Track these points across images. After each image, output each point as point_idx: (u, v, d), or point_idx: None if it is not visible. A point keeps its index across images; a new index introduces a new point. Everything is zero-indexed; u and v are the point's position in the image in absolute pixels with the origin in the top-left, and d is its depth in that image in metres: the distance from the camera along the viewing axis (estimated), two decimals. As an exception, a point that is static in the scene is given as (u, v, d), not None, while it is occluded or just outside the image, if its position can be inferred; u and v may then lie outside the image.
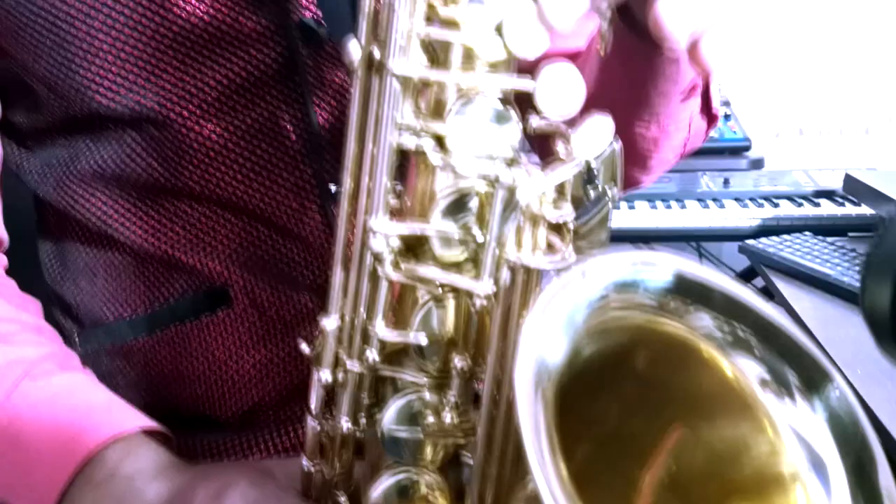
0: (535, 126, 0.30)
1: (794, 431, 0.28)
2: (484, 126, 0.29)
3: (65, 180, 0.50)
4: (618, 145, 0.32)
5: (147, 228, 0.49)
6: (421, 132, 0.29)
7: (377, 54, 0.29)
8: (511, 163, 0.30)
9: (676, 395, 0.30)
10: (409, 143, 0.29)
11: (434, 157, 0.29)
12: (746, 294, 0.29)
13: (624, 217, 1.51)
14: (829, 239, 1.20)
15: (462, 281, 0.30)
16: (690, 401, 0.30)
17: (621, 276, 0.29)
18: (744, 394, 0.28)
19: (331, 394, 0.34)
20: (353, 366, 0.32)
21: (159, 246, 0.49)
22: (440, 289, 0.31)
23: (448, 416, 0.32)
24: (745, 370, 0.28)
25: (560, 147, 0.30)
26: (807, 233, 1.22)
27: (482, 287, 0.29)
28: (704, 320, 0.29)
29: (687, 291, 0.29)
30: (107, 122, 0.47)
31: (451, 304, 0.32)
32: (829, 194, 1.49)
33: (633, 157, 0.49)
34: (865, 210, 1.31)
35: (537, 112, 0.29)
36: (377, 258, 0.30)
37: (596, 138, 0.30)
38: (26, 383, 0.44)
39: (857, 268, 1.04)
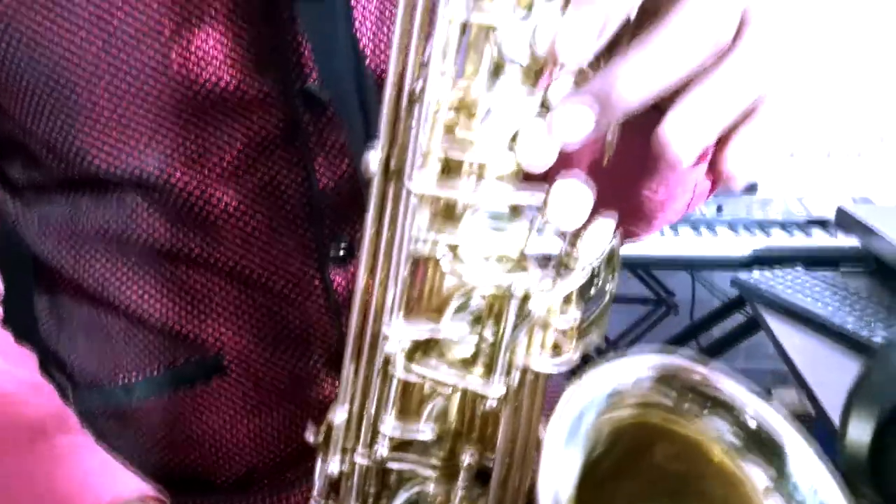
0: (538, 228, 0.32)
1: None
2: (494, 232, 0.31)
3: (65, 239, 0.51)
4: (617, 241, 0.33)
5: (143, 294, 0.50)
6: (434, 241, 0.30)
7: (394, 163, 0.31)
8: (519, 264, 0.32)
9: (686, 492, 0.32)
10: (423, 249, 0.31)
11: (446, 263, 0.31)
12: (758, 404, 0.31)
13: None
14: (821, 273, 1.23)
15: (474, 383, 0.31)
16: (700, 499, 0.32)
17: (639, 376, 0.31)
18: (749, 497, 0.30)
19: (337, 479, 0.36)
20: (362, 459, 0.34)
21: (153, 313, 0.50)
22: (450, 388, 0.32)
23: (455, 505, 0.34)
24: (752, 475, 0.31)
25: (564, 250, 0.32)
26: (798, 266, 1.25)
27: (494, 391, 0.31)
28: (716, 423, 0.31)
29: (702, 396, 0.31)
30: (108, 184, 0.47)
31: (457, 398, 0.34)
32: (821, 223, 1.52)
33: (639, 217, 0.51)
34: (857, 241, 1.34)
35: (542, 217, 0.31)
36: (388, 359, 0.32)
37: (599, 242, 0.32)
38: (25, 448, 0.46)
39: (848, 307, 1.06)
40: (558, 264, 0.32)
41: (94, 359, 0.53)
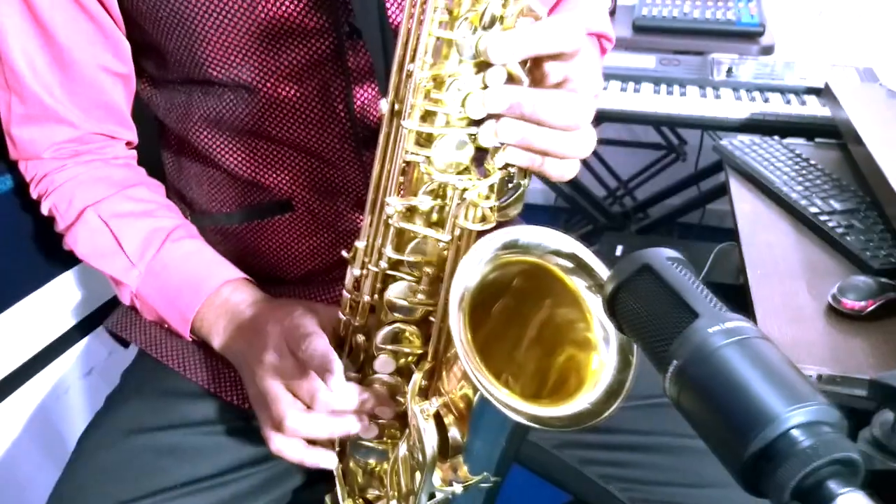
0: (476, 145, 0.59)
1: (598, 318, 0.60)
2: (452, 149, 0.58)
3: (182, 117, 0.79)
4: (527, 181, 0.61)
5: (236, 157, 0.78)
6: (418, 153, 0.58)
7: (396, 108, 0.58)
8: (466, 170, 0.59)
9: (538, 294, 0.62)
10: (410, 158, 0.58)
11: (423, 166, 0.59)
12: (574, 246, 0.60)
13: (630, 99, 1.74)
14: (794, 143, 1.46)
15: (434, 233, 0.60)
16: (546, 297, 0.62)
17: (512, 238, 0.60)
18: (576, 295, 0.60)
19: (358, 279, 0.66)
20: (373, 267, 0.64)
21: (244, 169, 0.79)
22: (420, 234, 0.61)
23: (421, 295, 0.64)
24: (577, 282, 0.60)
25: (489, 163, 0.59)
26: (776, 137, 1.48)
27: (444, 237, 0.60)
28: (556, 257, 0.60)
29: (546, 244, 0.60)
30: (213, 84, 0.74)
31: (427, 241, 0.63)
32: (818, 91, 1.71)
33: None
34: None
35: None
36: (390, 216, 0.61)
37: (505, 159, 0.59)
38: (168, 244, 0.78)
39: (800, 178, 1.31)
40: (484, 168, 0.59)
41: (204, 196, 0.83)
